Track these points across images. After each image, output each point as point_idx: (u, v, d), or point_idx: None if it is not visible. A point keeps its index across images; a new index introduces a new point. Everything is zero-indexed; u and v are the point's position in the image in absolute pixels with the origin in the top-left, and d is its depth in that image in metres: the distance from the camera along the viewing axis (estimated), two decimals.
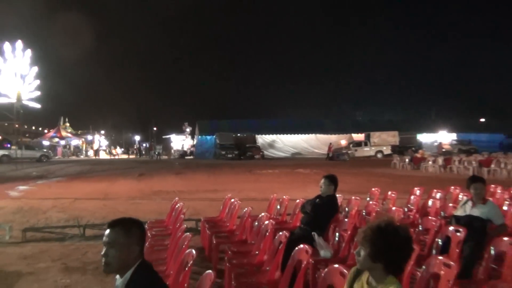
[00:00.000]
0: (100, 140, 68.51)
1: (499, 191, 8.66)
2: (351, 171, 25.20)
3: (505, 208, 6.72)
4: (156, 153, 49.62)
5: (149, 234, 6.32)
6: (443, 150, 37.70)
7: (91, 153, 58.73)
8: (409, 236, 2.61)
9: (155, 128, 76.98)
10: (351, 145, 45.03)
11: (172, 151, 58.87)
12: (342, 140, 47.07)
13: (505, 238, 4.26)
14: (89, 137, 65.35)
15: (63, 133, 56.21)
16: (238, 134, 46.77)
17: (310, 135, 49.33)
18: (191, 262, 3.61)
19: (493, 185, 9.16)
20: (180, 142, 60.06)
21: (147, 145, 66.54)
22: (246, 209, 6.62)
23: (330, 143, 44.00)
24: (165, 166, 33.09)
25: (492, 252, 4.27)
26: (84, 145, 61.55)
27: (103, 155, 58.60)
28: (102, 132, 73.77)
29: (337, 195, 7.05)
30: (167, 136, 67.88)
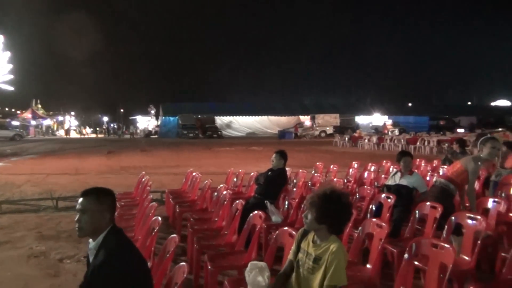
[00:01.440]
0: (70, 120, 65.97)
1: (423, 164, 9.03)
2: (298, 148, 25.54)
3: (428, 178, 7.02)
4: (130, 132, 48.49)
5: (118, 205, 6.20)
6: (387, 130, 39.11)
7: (61, 132, 56.53)
8: (349, 202, 2.70)
9: (122, 110, 75.00)
10: (314, 125, 45.32)
11: (138, 130, 57.62)
12: (307, 121, 47.23)
13: (427, 203, 4.46)
14: (60, 118, 62.78)
15: (25, 115, 53.24)
16: (199, 116, 46.41)
17: (263, 116, 49.50)
18: (157, 228, 3.59)
19: (418, 159, 9.54)
20: (146, 122, 58.87)
21: (115, 125, 64.79)
22: (206, 181, 6.60)
23: (297, 124, 44.65)
24: (132, 144, 32.37)
25: (417, 215, 4.46)
26: (55, 125, 59.14)
27: (73, 135, 56.57)
28: (73, 113, 70.92)
29: (287, 169, 7.15)
30: (134, 117, 66.34)
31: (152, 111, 58.38)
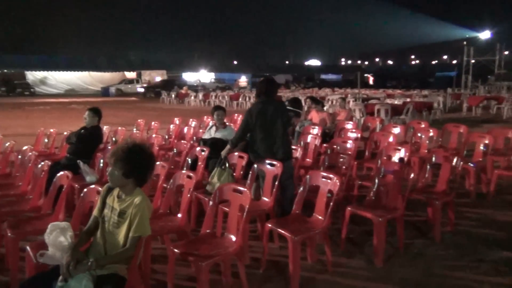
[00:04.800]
0: None
1: (240, 118, 9.67)
2: (124, 106, 24.70)
3: None
4: None
5: None
6: (240, 85, 40.47)
7: None
8: (152, 153, 2.79)
9: None
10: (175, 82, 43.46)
11: None
12: (157, 77, 44.84)
13: (236, 153, 4.85)
14: None
15: None
16: (5, 70, 40.60)
17: (84, 72, 45.94)
18: None
19: (236, 114, 10.18)
20: None
21: None
22: (8, 143, 5.94)
23: (149, 81, 42.39)
24: None
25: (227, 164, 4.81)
26: None
27: None
28: None
29: (105, 126, 6.89)
30: None
31: None
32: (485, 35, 39.68)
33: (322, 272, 3.62)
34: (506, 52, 33.45)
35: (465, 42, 32.18)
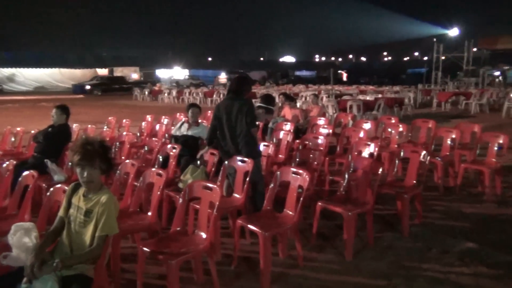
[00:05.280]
0: None
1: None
2: (96, 103, 24.27)
3: None
4: None
5: None
6: (219, 82, 40.68)
7: None
8: None
9: None
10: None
11: None
12: (133, 74, 44.34)
13: (210, 151, 4.83)
14: None
15: None
16: None
17: (54, 69, 44.77)
18: None
19: (210, 111, 10.12)
20: None
21: None
22: None
23: (131, 77, 41.90)
24: None
25: (198, 162, 4.80)
26: None
27: None
28: None
29: (74, 124, 6.76)
30: None
31: None
32: (453, 32, 40.55)
33: (293, 267, 3.65)
34: (474, 49, 34.24)
35: (434, 39, 32.79)
